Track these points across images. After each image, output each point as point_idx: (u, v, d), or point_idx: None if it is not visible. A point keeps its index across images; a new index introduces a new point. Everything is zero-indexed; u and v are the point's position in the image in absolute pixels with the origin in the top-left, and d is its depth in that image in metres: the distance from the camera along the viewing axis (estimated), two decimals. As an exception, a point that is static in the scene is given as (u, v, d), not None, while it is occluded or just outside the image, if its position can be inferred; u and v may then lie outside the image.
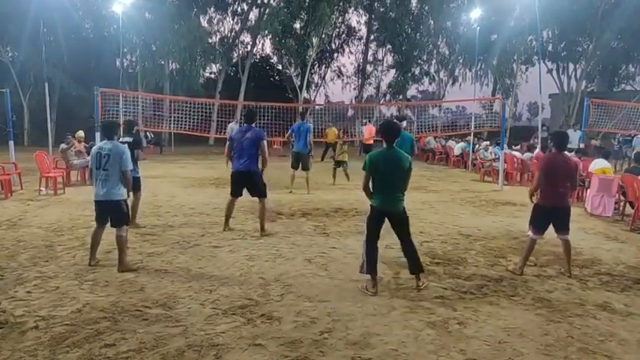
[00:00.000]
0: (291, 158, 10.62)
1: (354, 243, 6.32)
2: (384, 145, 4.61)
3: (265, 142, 6.61)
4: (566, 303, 4.37)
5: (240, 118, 18.99)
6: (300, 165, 10.44)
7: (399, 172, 4.52)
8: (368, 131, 16.74)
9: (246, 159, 6.54)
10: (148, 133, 22.14)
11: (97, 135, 10.88)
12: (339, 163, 12.20)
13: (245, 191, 6.76)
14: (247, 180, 6.64)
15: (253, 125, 6.76)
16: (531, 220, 5.34)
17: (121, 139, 6.85)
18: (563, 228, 5.18)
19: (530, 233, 5.32)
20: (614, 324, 3.95)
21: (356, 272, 5.07)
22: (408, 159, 4.59)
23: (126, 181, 5.01)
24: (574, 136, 15.58)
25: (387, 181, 4.52)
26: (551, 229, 5.25)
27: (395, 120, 7.43)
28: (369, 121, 17.89)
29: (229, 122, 17.78)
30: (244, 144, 6.54)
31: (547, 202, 5.18)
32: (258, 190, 6.66)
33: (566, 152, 5.43)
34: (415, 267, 4.66)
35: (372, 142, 16.90)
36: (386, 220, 4.62)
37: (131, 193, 6.72)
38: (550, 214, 5.18)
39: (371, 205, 4.60)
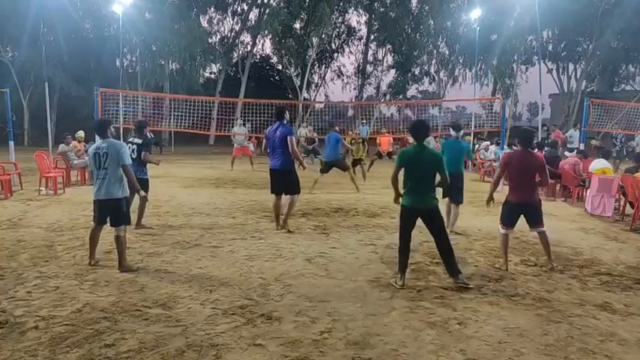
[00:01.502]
0: (321, 165, 11.23)
1: (354, 243, 6.34)
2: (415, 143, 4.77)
3: (293, 138, 6.74)
4: (566, 303, 4.37)
5: (241, 117, 19.03)
6: (338, 169, 10.98)
7: (428, 170, 4.60)
8: (385, 142, 16.49)
9: (279, 157, 6.71)
10: (148, 133, 22.14)
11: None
12: (356, 162, 12.71)
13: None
14: (282, 177, 6.78)
15: (284, 122, 6.84)
16: (501, 215, 5.45)
17: (130, 140, 6.91)
18: (535, 222, 5.28)
19: (499, 228, 5.45)
20: (614, 324, 3.94)
21: (356, 272, 5.08)
22: (439, 158, 4.64)
23: (127, 175, 4.96)
24: (575, 136, 15.59)
25: (416, 179, 4.61)
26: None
27: (451, 128, 7.51)
28: (384, 131, 17.59)
29: (231, 121, 17.77)
30: (276, 142, 6.71)
31: (513, 198, 5.29)
32: (291, 188, 6.83)
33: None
34: (451, 269, 4.68)
35: (391, 149, 16.69)
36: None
37: (136, 195, 6.78)
38: (518, 209, 5.28)
39: (401, 205, 4.73)
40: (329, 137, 11.13)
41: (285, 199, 6.93)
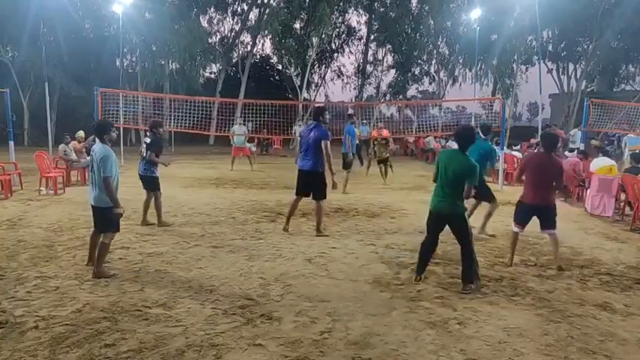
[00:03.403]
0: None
1: (354, 243, 6.34)
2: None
3: (328, 143, 6.42)
4: (566, 303, 4.37)
5: (241, 116, 19.04)
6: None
7: (458, 177, 4.54)
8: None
9: (310, 158, 6.50)
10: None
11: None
12: (381, 162, 12.66)
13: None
14: (310, 180, 6.58)
15: (321, 123, 6.59)
16: (514, 214, 5.56)
17: (144, 140, 7.04)
18: (548, 225, 5.35)
19: (512, 226, 5.55)
20: (614, 324, 3.95)
21: (356, 272, 5.08)
22: (472, 166, 4.55)
23: (105, 187, 4.67)
24: (577, 136, 15.57)
25: (443, 182, 4.64)
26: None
27: (480, 131, 7.20)
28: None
29: (231, 121, 17.73)
30: (310, 142, 6.49)
31: (528, 200, 5.37)
32: (318, 193, 6.60)
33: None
34: (464, 275, 4.65)
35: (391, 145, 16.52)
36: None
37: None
38: (532, 211, 5.35)
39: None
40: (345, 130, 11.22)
41: (311, 203, 6.81)
